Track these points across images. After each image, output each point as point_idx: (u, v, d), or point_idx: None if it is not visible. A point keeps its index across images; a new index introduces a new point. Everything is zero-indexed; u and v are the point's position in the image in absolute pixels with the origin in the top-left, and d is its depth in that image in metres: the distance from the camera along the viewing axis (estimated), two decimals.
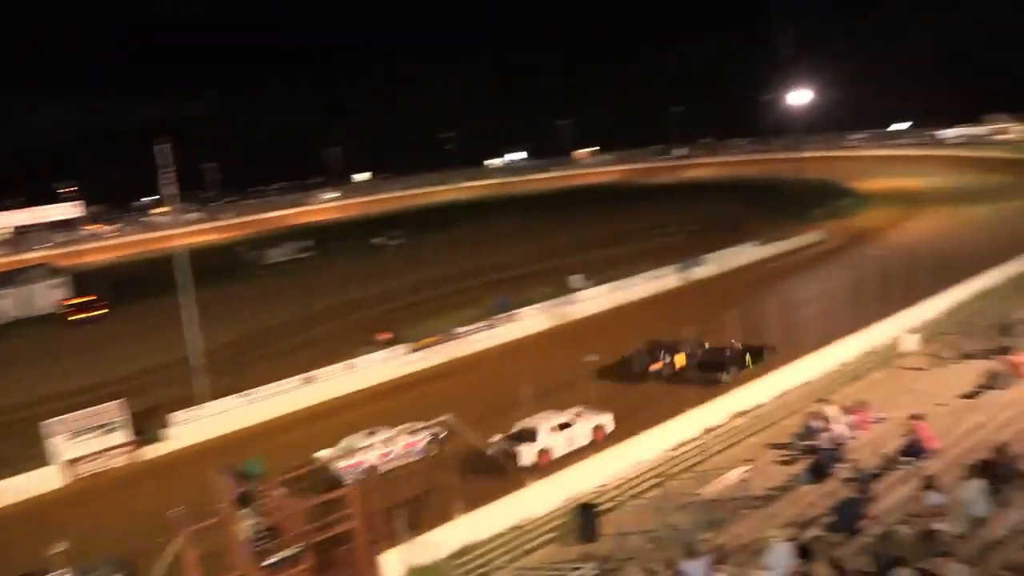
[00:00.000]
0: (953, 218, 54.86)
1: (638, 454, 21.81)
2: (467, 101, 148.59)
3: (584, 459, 21.42)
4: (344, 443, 23.92)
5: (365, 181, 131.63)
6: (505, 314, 36.96)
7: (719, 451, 22.06)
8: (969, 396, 20.29)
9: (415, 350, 34.18)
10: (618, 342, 31.09)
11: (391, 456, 23.67)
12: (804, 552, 12.14)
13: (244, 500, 16.41)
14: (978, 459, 14.19)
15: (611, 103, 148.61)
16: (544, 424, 23.29)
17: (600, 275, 43.18)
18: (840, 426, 19.74)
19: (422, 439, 24.49)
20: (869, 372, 27.20)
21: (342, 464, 22.74)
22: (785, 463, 19.73)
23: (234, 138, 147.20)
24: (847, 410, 20.86)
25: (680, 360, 28.39)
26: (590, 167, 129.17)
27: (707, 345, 28.79)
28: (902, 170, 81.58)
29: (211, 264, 60.13)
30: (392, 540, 17.56)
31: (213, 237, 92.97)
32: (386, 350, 33.88)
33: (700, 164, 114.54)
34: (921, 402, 21.31)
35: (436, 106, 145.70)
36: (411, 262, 60.13)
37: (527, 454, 22.59)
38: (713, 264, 46.26)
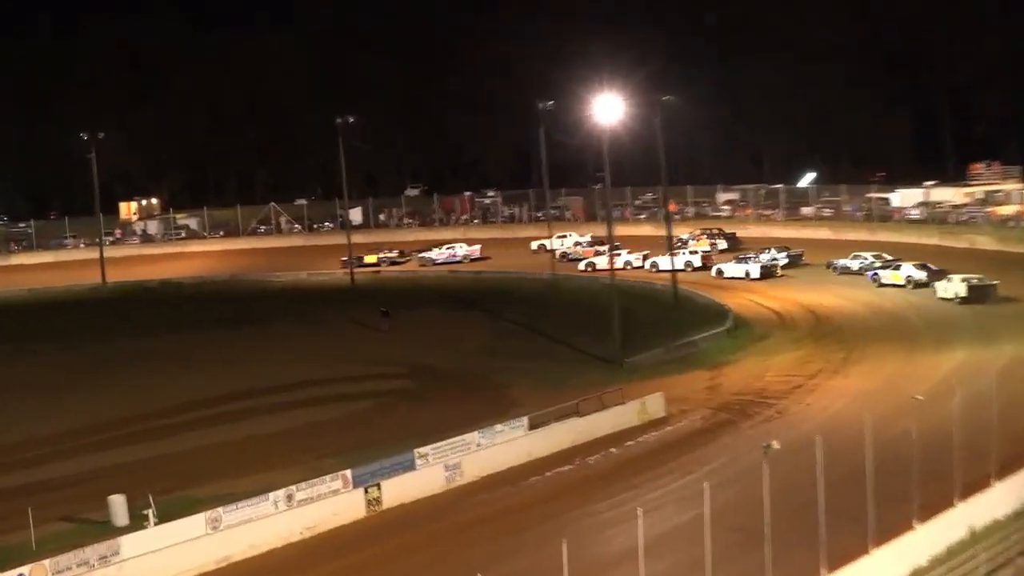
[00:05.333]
0: (919, 370, 61.15)
1: None
2: None
3: None
4: None
5: None
6: None
7: None
8: None
9: None
10: None
11: None
12: None
13: None
14: None
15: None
16: None
17: (189, 491, 46.13)
18: None
19: None
20: None
21: None
22: None
23: None
24: None
25: None
26: (160, 238, 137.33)
27: None
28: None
29: None
30: None
31: None
32: None
33: (394, 244, 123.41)
34: None
35: None
36: None
37: None
38: (434, 467, 48.24)
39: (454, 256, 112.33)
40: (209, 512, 42.02)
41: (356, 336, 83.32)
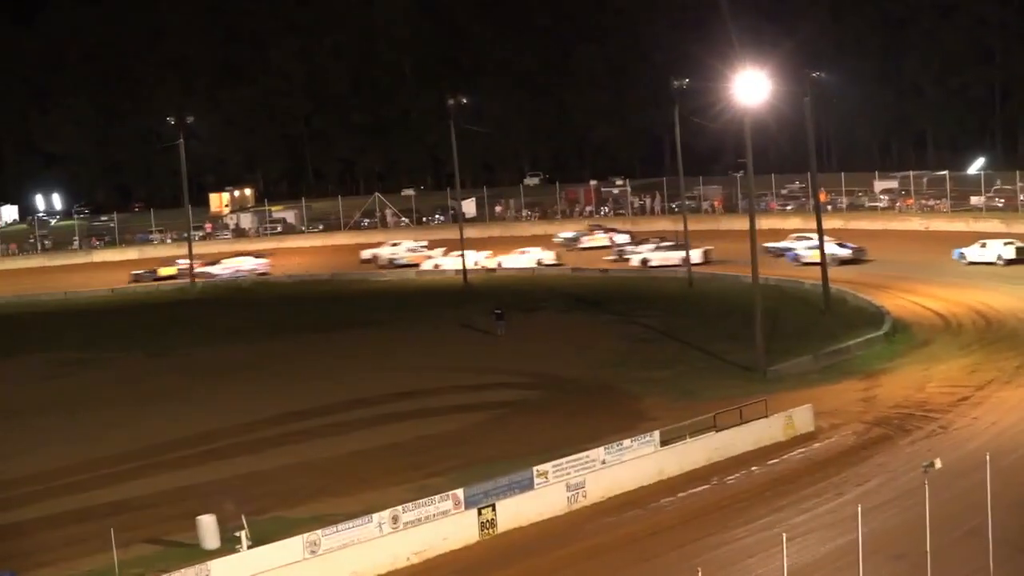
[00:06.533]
0: None
1: None
2: None
3: None
4: None
5: None
6: None
7: None
8: None
9: None
10: None
11: None
12: None
13: None
14: None
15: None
16: None
17: (284, 512, 47.51)
18: None
19: None
20: None
21: None
22: None
23: None
24: None
25: None
26: (254, 232, 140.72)
27: None
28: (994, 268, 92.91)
29: None
30: None
31: None
32: None
33: (512, 238, 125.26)
34: None
35: None
36: None
37: None
38: (554, 487, 48.41)
39: (239, 271, 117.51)
40: (307, 535, 42.41)
41: (468, 341, 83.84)
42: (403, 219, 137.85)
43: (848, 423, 57.46)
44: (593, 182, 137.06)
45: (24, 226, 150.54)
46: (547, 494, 48.02)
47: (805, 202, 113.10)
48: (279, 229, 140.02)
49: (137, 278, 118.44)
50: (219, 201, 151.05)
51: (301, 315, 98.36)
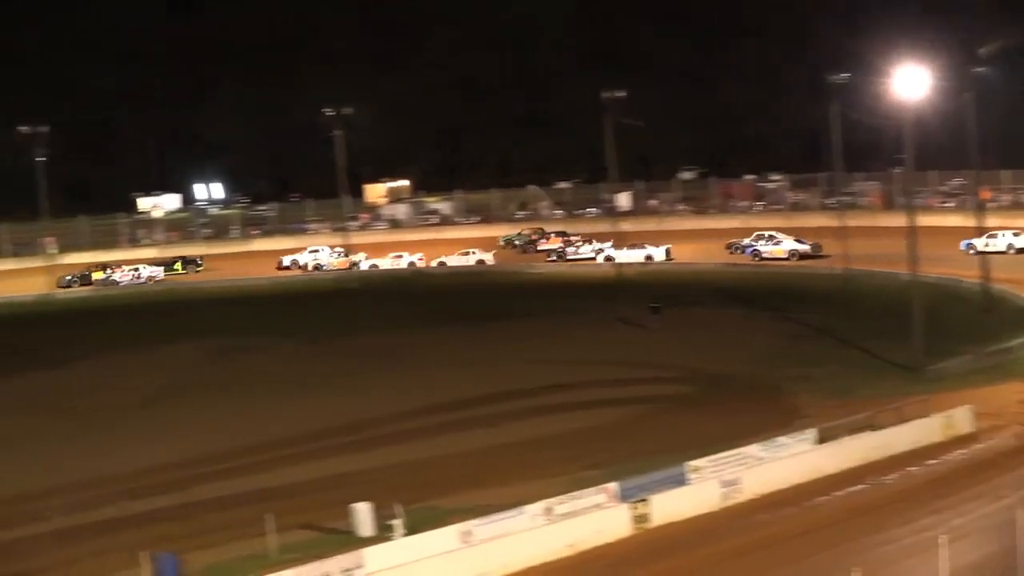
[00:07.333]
0: None
1: None
2: None
3: None
4: None
5: None
6: None
7: None
8: None
9: None
10: None
11: None
12: None
13: None
14: None
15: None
16: None
17: (436, 501, 47.86)
18: None
19: None
20: None
21: None
22: None
23: None
24: None
25: None
26: (410, 223, 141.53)
27: None
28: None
29: None
30: None
31: None
32: None
33: (662, 233, 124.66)
34: None
35: None
36: None
37: None
38: (708, 483, 48.30)
39: (138, 278, 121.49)
40: (461, 525, 42.76)
41: (622, 335, 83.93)
42: (557, 211, 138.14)
43: (1009, 425, 56.39)
44: (749, 176, 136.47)
45: (186, 214, 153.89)
46: (701, 490, 47.90)
47: (966, 199, 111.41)
48: (435, 220, 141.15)
49: (67, 283, 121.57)
50: (375, 192, 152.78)
51: (455, 306, 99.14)
